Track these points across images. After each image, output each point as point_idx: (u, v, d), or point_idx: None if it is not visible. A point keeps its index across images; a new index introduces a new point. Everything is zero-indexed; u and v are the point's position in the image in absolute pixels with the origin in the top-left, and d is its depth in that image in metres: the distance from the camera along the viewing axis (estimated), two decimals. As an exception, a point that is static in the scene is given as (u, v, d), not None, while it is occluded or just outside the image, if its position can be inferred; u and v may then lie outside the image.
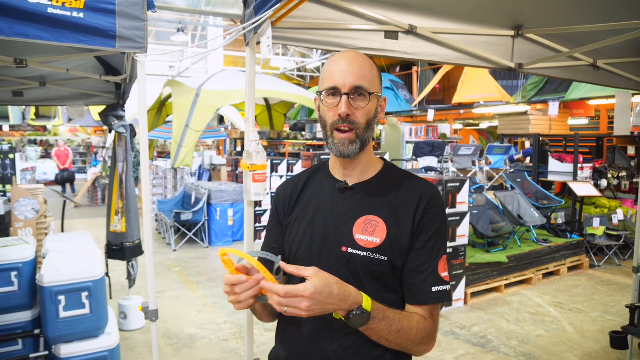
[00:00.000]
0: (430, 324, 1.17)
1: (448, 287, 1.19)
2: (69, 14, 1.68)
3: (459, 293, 4.96)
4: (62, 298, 2.51)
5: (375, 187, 1.25)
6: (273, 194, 7.89)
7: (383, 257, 1.17)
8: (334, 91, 1.17)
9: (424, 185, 1.25)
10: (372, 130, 1.23)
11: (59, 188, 12.97)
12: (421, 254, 1.18)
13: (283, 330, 1.31)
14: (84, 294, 2.56)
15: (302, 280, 1.03)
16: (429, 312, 1.18)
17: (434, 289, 1.17)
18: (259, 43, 1.91)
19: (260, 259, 1.09)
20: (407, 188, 1.24)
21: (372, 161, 1.28)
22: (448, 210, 4.81)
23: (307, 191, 1.32)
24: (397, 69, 15.91)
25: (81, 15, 1.70)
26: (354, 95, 1.17)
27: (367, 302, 1.06)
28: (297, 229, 1.28)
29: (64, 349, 2.54)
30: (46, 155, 18.30)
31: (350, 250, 1.19)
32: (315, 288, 0.99)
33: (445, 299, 1.18)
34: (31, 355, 2.66)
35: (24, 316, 2.75)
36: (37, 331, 2.73)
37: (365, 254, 1.17)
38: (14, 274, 2.67)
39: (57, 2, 1.65)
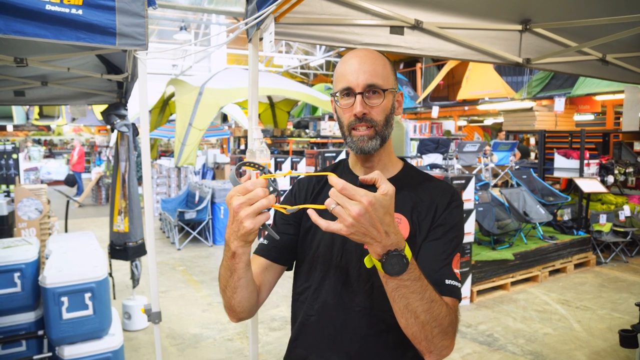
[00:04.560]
0: (453, 312, 1.05)
1: (459, 285, 1.14)
2: (67, 10, 1.64)
3: (464, 291, 4.91)
4: (65, 299, 2.48)
5: (397, 185, 1.23)
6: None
7: None
8: (348, 91, 1.16)
9: (445, 185, 1.25)
10: (391, 127, 1.21)
11: (64, 188, 12.99)
12: (438, 244, 1.15)
13: (300, 331, 1.27)
14: (87, 295, 2.54)
15: None
16: (452, 304, 1.08)
17: (447, 282, 1.11)
18: (261, 39, 1.87)
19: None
20: (428, 188, 1.23)
21: (392, 159, 1.28)
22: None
23: (328, 188, 1.30)
24: (401, 66, 15.84)
25: (80, 12, 1.67)
26: (368, 93, 1.15)
27: (408, 251, 0.94)
28: (317, 226, 1.26)
29: (68, 351, 2.52)
30: (50, 154, 18.34)
31: None
32: (376, 199, 0.87)
33: (456, 294, 1.12)
34: (35, 357, 2.64)
35: (27, 317, 2.72)
36: (40, 332, 2.71)
37: None
38: (16, 275, 2.65)
39: (56, -2, 1.61)
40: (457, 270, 1.15)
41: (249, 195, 0.94)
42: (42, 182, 14.04)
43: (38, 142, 19.64)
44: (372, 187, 0.94)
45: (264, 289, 1.25)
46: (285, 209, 1.00)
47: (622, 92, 3.47)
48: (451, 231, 1.17)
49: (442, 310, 1.01)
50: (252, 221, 0.95)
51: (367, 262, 0.97)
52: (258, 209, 0.95)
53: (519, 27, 2.65)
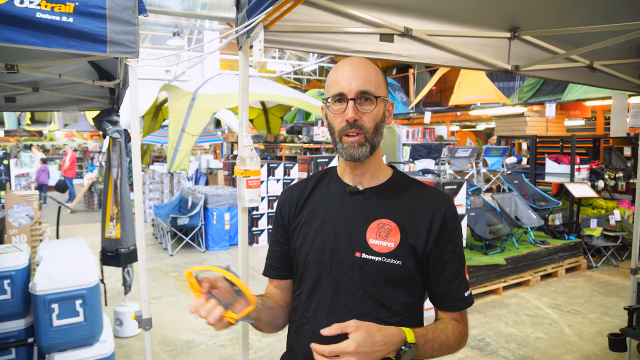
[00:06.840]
0: (462, 326, 1.24)
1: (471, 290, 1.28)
2: (58, 18, 1.65)
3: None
4: (55, 306, 2.47)
5: (387, 192, 1.25)
6: (270, 198, 7.87)
7: (398, 262, 1.17)
8: (340, 97, 1.17)
9: (438, 194, 1.27)
10: (381, 135, 1.22)
11: (55, 194, 12.90)
12: (452, 263, 1.22)
13: (294, 339, 1.28)
14: (78, 302, 2.53)
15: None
16: (462, 315, 1.25)
17: (466, 294, 1.24)
18: (252, 47, 1.89)
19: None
20: (420, 195, 1.25)
21: (382, 167, 1.29)
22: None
23: (315, 195, 1.30)
24: (394, 72, 15.93)
25: (71, 19, 1.68)
26: (360, 100, 1.16)
27: (410, 335, 1.09)
28: (305, 233, 1.26)
29: (58, 358, 2.50)
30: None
31: (364, 255, 1.17)
32: (357, 342, 1.00)
33: (471, 301, 1.26)
34: (24, 365, 2.62)
35: (17, 325, 2.70)
36: (30, 340, 2.69)
37: (379, 258, 1.17)
38: (6, 282, 2.63)
39: (46, 6, 1.62)
40: (467, 277, 1.27)
41: (198, 315, 1.04)
42: (35, 188, 13.90)
43: (29, 148, 19.48)
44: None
45: (289, 302, 1.36)
46: (233, 318, 1.06)
47: (611, 98, 3.51)
48: (458, 247, 1.24)
49: (450, 343, 1.18)
50: (213, 324, 1.05)
51: None
52: (210, 323, 1.04)
53: (508, 35, 2.68)
